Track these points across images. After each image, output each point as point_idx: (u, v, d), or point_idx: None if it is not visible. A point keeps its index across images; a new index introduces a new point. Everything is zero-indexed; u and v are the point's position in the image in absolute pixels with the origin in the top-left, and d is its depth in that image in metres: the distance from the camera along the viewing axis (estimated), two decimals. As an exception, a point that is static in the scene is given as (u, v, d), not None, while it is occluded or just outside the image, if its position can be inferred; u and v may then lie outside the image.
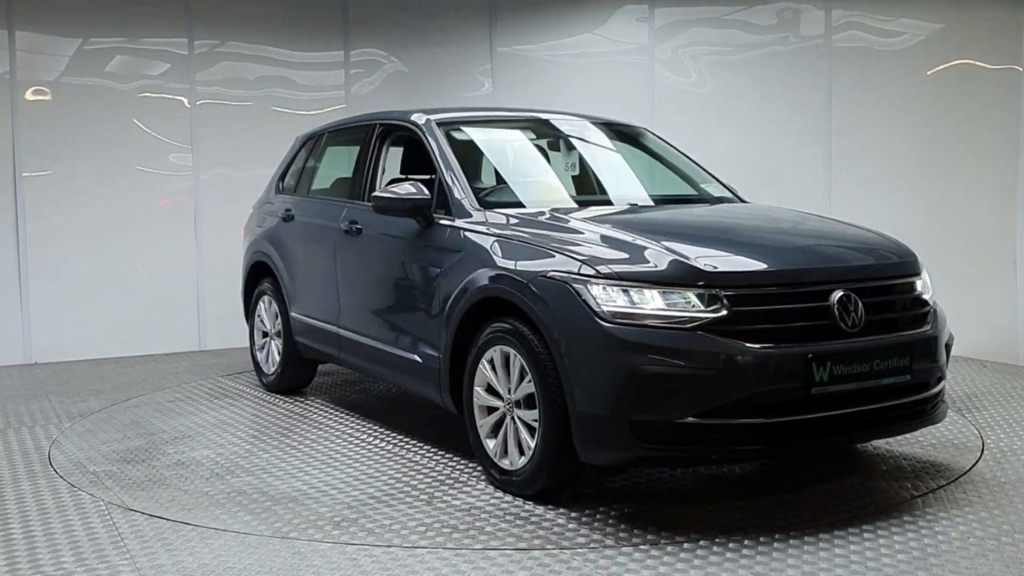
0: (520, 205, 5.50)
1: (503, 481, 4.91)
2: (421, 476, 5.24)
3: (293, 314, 7.04)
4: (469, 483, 5.10)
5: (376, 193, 5.70)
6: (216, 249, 9.52)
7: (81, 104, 9.10)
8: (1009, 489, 4.89)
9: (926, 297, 4.95)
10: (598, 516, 4.57)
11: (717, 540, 4.22)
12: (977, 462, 5.36)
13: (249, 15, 9.73)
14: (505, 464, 4.88)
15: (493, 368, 4.91)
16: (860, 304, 4.54)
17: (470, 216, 5.36)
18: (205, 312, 9.54)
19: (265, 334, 7.54)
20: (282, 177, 7.76)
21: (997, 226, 8.38)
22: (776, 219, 5.64)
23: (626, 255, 4.57)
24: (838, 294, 4.50)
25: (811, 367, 4.30)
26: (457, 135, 6.05)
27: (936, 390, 4.85)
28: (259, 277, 7.63)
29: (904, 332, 4.72)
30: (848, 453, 5.53)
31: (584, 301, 4.41)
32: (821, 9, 8.93)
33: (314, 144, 7.56)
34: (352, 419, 6.54)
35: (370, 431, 6.21)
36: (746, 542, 4.20)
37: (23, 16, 8.89)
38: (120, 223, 9.22)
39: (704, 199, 6.14)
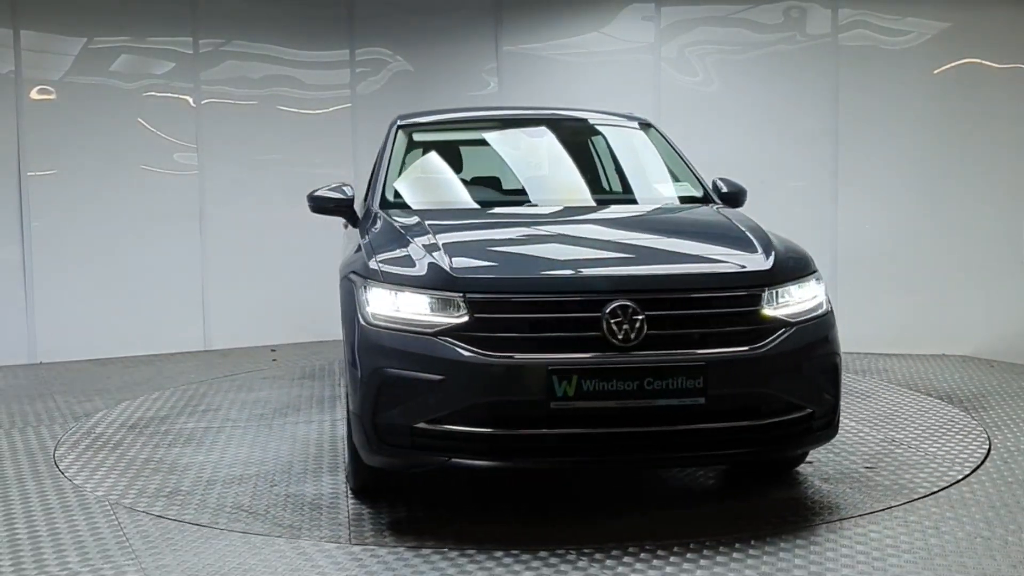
0: (412, 205, 5.56)
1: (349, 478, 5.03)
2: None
3: None
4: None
5: (309, 193, 5.75)
6: (221, 248, 9.51)
7: (86, 103, 9.10)
8: (1016, 489, 4.87)
9: (771, 313, 4.38)
10: (377, 515, 4.61)
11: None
12: (984, 461, 5.34)
13: (254, 14, 9.73)
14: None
15: None
16: (641, 317, 4.17)
17: (368, 216, 5.43)
18: (210, 311, 9.52)
19: None
20: None
21: (1004, 226, 8.36)
22: (649, 224, 5.41)
23: (406, 259, 4.56)
24: (612, 305, 4.18)
25: (552, 380, 4.08)
26: (420, 136, 6.14)
27: (769, 421, 4.30)
28: None
29: (700, 350, 4.23)
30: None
31: (360, 303, 4.47)
32: (828, 8, 8.90)
33: None
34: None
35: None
36: (752, 542, 4.19)
37: (28, 15, 8.89)
38: (125, 222, 9.21)
39: (641, 199, 5.95)
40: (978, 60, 8.43)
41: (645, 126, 6.47)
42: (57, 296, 8.98)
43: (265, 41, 9.80)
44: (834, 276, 8.90)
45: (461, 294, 4.24)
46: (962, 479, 5.03)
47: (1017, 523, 4.38)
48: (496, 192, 6.04)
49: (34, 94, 8.95)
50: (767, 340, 4.31)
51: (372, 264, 4.56)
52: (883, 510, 4.57)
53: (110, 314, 9.15)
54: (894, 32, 8.73)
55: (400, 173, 5.91)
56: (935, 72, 8.59)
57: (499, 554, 4.08)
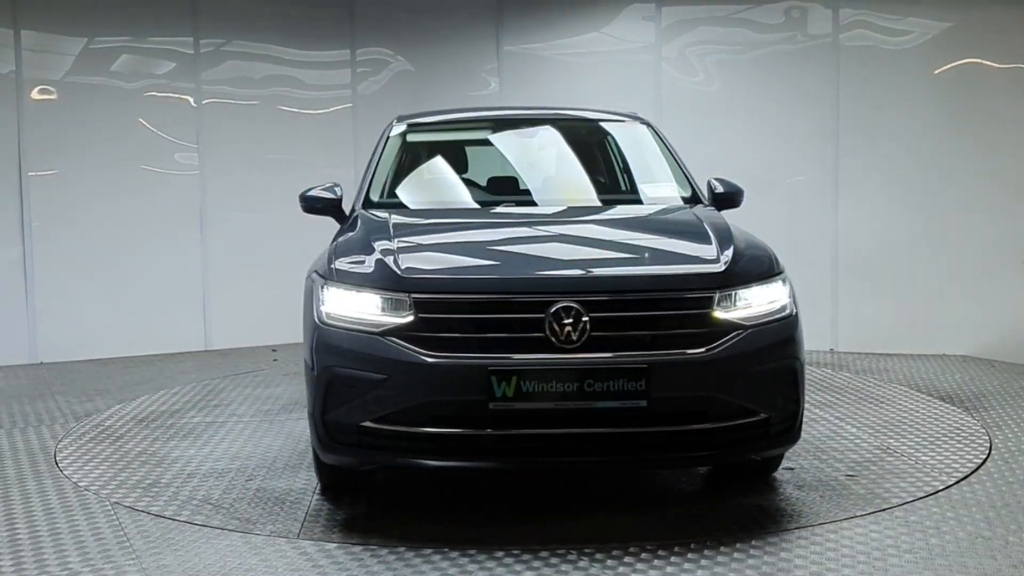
0: (402, 206, 5.62)
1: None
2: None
3: None
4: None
5: (301, 193, 5.77)
6: (222, 248, 9.51)
7: (87, 103, 9.10)
8: (1017, 489, 4.87)
9: (723, 316, 4.31)
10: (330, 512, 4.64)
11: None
12: (985, 461, 5.34)
13: (255, 14, 9.73)
14: None
15: None
16: (585, 319, 4.15)
17: (349, 216, 5.47)
18: (211, 312, 9.53)
19: None
20: None
21: (1005, 225, 8.37)
22: (615, 225, 5.36)
23: (362, 260, 4.59)
24: (556, 307, 4.16)
25: (491, 381, 4.09)
26: (412, 137, 6.16)
27: (717, 425, 4.26)
28: None
29: (643, 352, 4.18)
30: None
31: (316, 302, 4.54)
32: (828, 8, 8.90)
33: None
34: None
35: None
36: (753, 542, 4.19)
37: (29, 15, 8.89)
38: (125, 222, 9.20)
39: (634, 201, 5.89)
40: (979, 60, 8.43)
41: (638, 125, 6.42)
42: (58, 296, 8.98)
43: (266, 41, 9.80)
44: (834, 275, 8.92)
45: (407, 294, 4.27)
46: (963, 479, 5.03)
47: (1018, 523, 4.38)
48: (477, 192, 6.03)
49: (35, 94, 8.95)
50: (717, 343, 4.25)
51: (331, 264, 4.64)
52: (883, 510, 4.57)
53: (111, 314, 9.15)
54: (895, 32, 8.74)
55: (388, 173, 5.96)
56: (936, 72, 8.59)
57: (454, 554, 4.10)
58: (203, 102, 9.49)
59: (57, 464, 5.61)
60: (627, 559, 4.02)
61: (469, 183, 6.15)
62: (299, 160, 9.76)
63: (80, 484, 5.20)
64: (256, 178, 9.64)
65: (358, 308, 4.36)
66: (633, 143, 6.40)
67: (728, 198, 5.83)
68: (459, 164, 6.30)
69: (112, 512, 4.73)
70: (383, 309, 4.30)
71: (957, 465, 5.27)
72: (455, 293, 4.32)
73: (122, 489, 5.10)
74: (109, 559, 4.13)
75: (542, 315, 4.16)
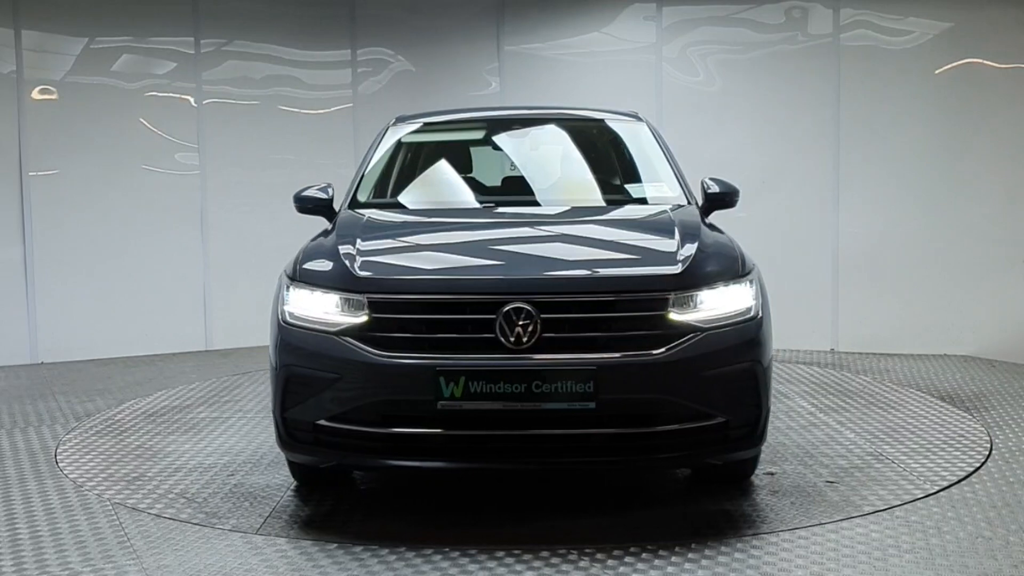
0: (385, 206, 5.65)
1: None
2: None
3: None
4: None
5: (295, 193, 5.78)
6: (223, 248, 9.52)
7: (87, 103, 9.10)
8: (1018, 488, 4.87)
9: (678, 318, 4.25)
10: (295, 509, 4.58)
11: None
12: (986, 461, 5.34)
13: (256, 14, 9.73)
14: None
15: None
16: (536, 320, 4.14)
17: (335, 216, 5.50)
18: (212, 312, 9.53)
19: None
20: None
21: (1006, 225, 8.36)
22: (583, 225, 5.27)
23: (326, 260, 4.65)
24: (507, 308, 4.16)
25: (439, 381, 4.11)
26: (406, 138, 6.20)
27: (669, 428, 4.21)
28: None
29: (592, 354, 4.15)
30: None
31: (280, 301, 4.61)
32: (829, 8, 8.90)
33: None
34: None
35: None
36: (754, 542, 4.19)
37: (29, 15, 8.89)
38: (126, 222, 9.21)
39: (615, 201, 5.79)
40: (979, 60, 8.43)
41: (631, 124, 6.37)
42: (58, 296, 8.99)
43: (267, 41, 9.80)
44: (835, 275, 8.92)
45: (363, 295, 4.32)
46: (963, 479, 5.03)
47: (1019, 523, 4.38)
48: (459, 193, 6.03)
49: (35, 94, 8.96)
50: (670, 345, 4.20)
51: (296, 265, 4.71)
52: (883, 510, 4.57)
53: (111, 314, 9.15)
54: (896, 32, 8.74)
55: (376, 174, 6.01)
56: (936, 72, 8.59)
57: (455, 554, 4.10)
58: (204, 102, 9.50)
59: (58, 464, 5.61)
60: (627, 559, 4.02)
61: (453, 184, 6.17)
62: (300, 160, 9.76)
63: (81, 484, 5.21)
64: (257, 178, 9.64)
65: (318, 308, 4.43)
66: (624, 142, 6.34)
67: (721, 198, 5.71)
68: (447, 164, 6.32)
69: (112, 512, 4.73)
70: (341, 309, 4.37)
71: (958, 465, 5.27)
72: (408, 294, 4.36)
73: (116, 486, 5.11)
74: (109, 559, 4.13)
75: (494, 316, 4.17)
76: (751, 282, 4.55)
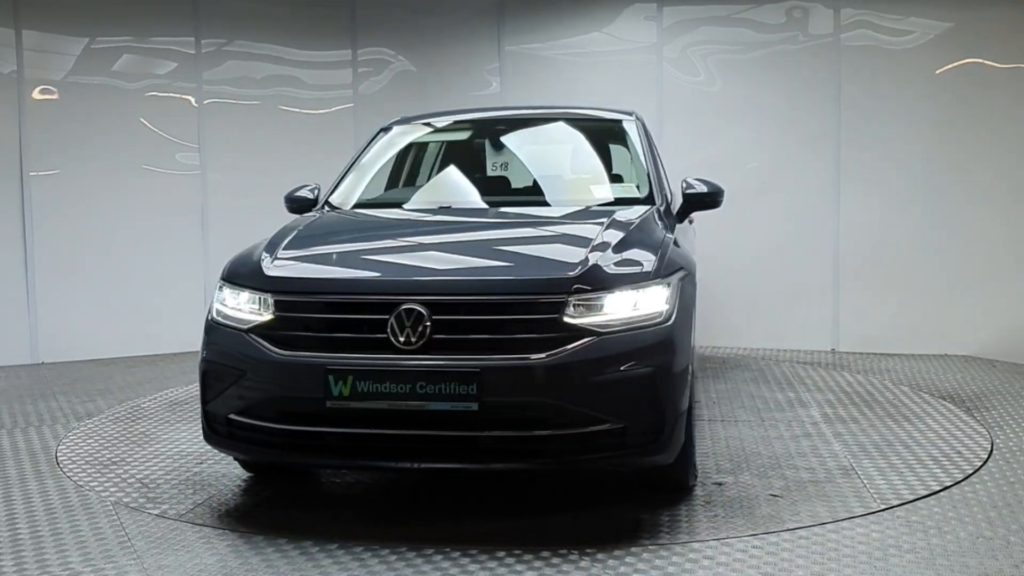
0: (340, 208, 5.85)
1: None
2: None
3: None
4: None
5: (286, 194, 6.11)
6: (223, 248, 9.49)
7: (88, 103, 9.10)
8: (1019, 488, 4.87)
9: (573, 321, 4.18)
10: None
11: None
12: (986, 461, 5.34)
13: (256, 14, 9.73)
14: None
15: None
16: (428, 322, 4.19)
17: (314, 214, 5.72)
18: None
19: None
20: None
21: (1006, 225, 8.37)
22: (511, 227, 5.31)
23: (252, 260, 4.76)
24: (400, 309, 4.22)
25: (328, 380, 4.18)
26: (401, 139, 6.34)
27: (556, 432, 4.14)
28: None
29: (478, 356, 4.15)
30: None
31: (212, 300, 4.77)
32: (830, 8, 8.90)
33: None
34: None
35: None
36: (755, 542, 4.19)
37: (30, 15, 8.89)
38: (127, 222, 9.22)
39: (554, 202, 5.78)
40: (980, 60, 8.43)
41: (618, 123, 6.32)
42: (59, 296, 8.99)
43: (267, 41, 9.80)
44: (836, 275, 8.92)
45: (270, 294, 4.46)
46: (964, 479, 5.03)
47: (1019, 523, 4.38)
48: (419, 200, 6.04)
49: (36, 94, 8.96)
50: (560, 349, 4.14)
51: (229, 265, 4.84)
52: (884, 510, 4.57)
53: (112, 314, 9.15)
54: (896, 32, 8.74)
55: (355, 176, 6.18)
56: (937, 72, 8.59)
57: (456, 554, 4.10)
58: (204, 102, 9.50)
59: (58, 464, 5.61)
60: (628, 559, 4.02)
61: (414, 190, 6.28)
62: (300, 160, 9.74)
63: (81, 484, 5.21)
64: (257, 178, 9.63)
65: (237, 307, 4.58)
66: (604, 142, 6.31)
67: (700, 199, 5.69)
68: (420, 169, 6.50)
69: (113, 512, 4.73)
70: (252, 308, 4.51)
71: (958, 465, 5.27)
72: (307, 294, 4.46)
73: (117, 486, 5.11)
74: (110, 559, 4.13)
75: (387, 316, 4.25)
76: (667, 285, 4.45)
